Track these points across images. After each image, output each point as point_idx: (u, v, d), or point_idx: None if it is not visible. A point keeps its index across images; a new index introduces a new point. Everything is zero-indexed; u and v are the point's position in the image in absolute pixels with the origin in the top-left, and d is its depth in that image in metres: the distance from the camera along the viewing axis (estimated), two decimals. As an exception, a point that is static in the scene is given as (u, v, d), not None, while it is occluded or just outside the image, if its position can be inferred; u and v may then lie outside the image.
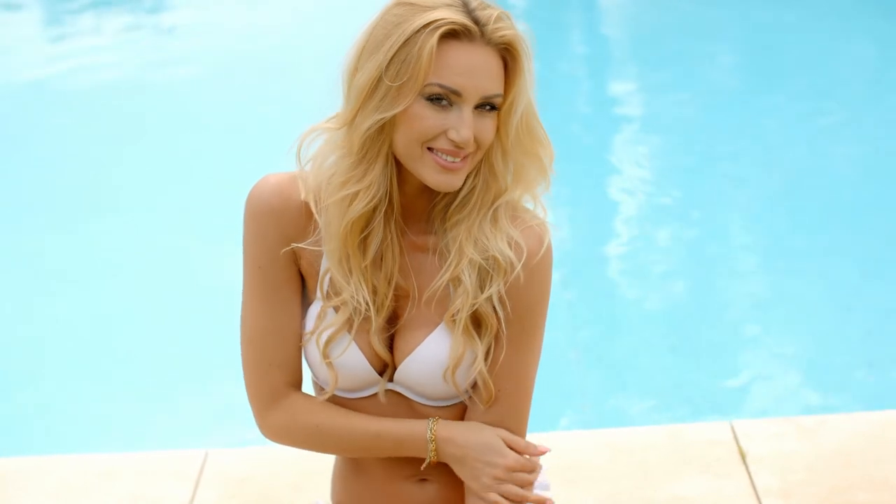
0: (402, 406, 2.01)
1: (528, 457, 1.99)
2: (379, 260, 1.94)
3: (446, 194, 1.93)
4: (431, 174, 1.86)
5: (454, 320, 1.93)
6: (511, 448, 1.97)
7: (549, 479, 2.13)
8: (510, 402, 1.98)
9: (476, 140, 1.85)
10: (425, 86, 1.82)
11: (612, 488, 3.39)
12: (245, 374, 2.03)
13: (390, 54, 1.82)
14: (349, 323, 1.95)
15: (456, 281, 1.93)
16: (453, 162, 1.84)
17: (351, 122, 1.88)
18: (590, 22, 9.08)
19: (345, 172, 1.90)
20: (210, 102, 7.41)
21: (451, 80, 1.82)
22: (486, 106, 1.85)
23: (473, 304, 1.91)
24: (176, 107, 7.36)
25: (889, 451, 3.49)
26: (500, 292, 1.92)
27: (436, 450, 1.97)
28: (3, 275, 5.51)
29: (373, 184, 1.88)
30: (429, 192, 1.94)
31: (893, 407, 4.30)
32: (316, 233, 1.95)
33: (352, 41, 1.90)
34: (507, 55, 1.86)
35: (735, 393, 4.60)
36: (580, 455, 3.52)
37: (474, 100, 1.84)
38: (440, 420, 1.98)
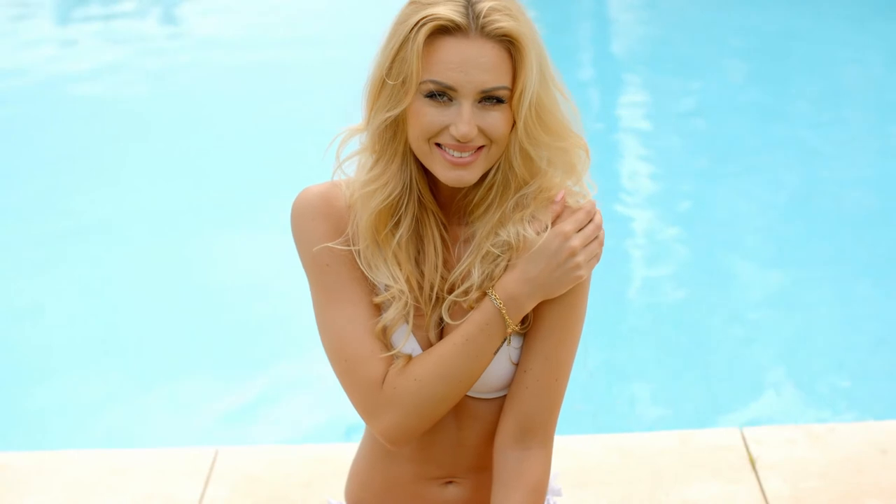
0: None
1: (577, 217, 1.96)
2: (422, 254, 1.95)
3: (474, 187, 1.93)
4: (442, 170, 1.87)
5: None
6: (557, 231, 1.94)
7: (560, 484, 2.13)
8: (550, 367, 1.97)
9: (485, 133, 1.85)
10: (421, 83, 1.83)
11: (623, 492, 3.39)
12: (343, 378, 1.97)
13: (392, 54, 1.84)
14: (404, 317, 1.95)
15: (468, 275, 1.94)
16: (461, 157, 1.85)
17: (367, 121, 1.90)
18: (597, 29, 9.10)
19: (366, 170, 1.92)
20: (213, 102, 7.42)
21: (444, 75, 1.82)
22: (492, 99, 1.84)
23: (469, 292, 1.92)
24: (180, 106, 7.37)
25: (900, 459, 3.49)
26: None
27: (507, 312, 1.93)
28: (14, 272, 5.52)
29: (390, 181, 1.90)
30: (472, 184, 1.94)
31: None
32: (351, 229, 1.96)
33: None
34: (511, 47, 1.84)
35: (745, 400, 4.60)
36: (591, 459, 3.52)
37: (472, 94, 1.83)
38: (494, 286, 1.93)
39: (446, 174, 1.86)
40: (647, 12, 9.09)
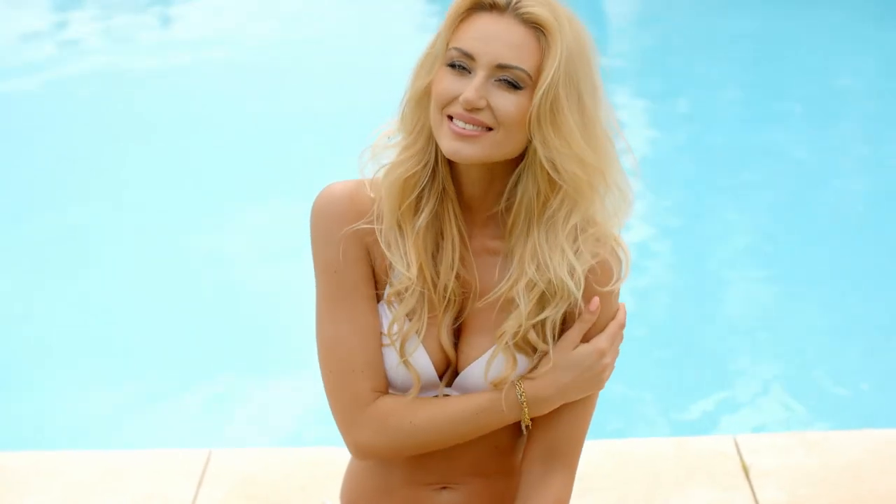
0: None
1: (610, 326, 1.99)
2: (440, 251, 1.94)
3: (497, 196, 1.93)
4: (446, 141, 1.86)
5: (502, 339, 1.94)
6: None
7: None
8: (569, 422, 2.01)
9: (493, 113, 1.84)
10: (447, 51, 1.86)
11: (617, 498, 3.39)
12: (328, 386, 1.98)
13: (439, 29, 1.90)
14: (416, 314, 1.95)
15: (510, 302, 1.93)
16: (464, 128, 1.84)
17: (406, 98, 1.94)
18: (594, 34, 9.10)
19: (396, 146, 1.93)
20: (213, 101, 7.42)
21: (466, 43, 1.85)
22: (509, 81, 1.84)
23: (519, 329, 1.92)
24: (180, 105, 7.37)
25: (894, 467, 3.49)
26: (554, 319, 1.94)
27: (528, 411, 1.96)
28: (9, 273, 5.51)
29: (414, 155, 1.91)
30: (490, 188, 1.94)
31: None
32: (375, 216, 1.95)
33: None
34: (542, 37, 1.85)
35: (739, 407, 4.60)
36: (586, 464, 3.51)
37: (488, 66, 1.83)
38: (523, 380, 1.96)
39: (447, 144, 1.86)
40: (640, 20, 9.10)
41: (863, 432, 3.77)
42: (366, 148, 1.97)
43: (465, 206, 1.96)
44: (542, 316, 1.93)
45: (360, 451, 1.99)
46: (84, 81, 7.74)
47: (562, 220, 1.90)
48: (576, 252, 1.92)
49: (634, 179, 1.96)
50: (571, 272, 1.91)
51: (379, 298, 1.99)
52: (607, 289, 1.95)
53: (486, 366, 1.95)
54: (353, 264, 1.96)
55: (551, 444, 2.00)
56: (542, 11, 1.84)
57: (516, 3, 1.85)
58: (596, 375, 1.96)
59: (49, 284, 5.41)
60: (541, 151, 1.87)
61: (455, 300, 1.96)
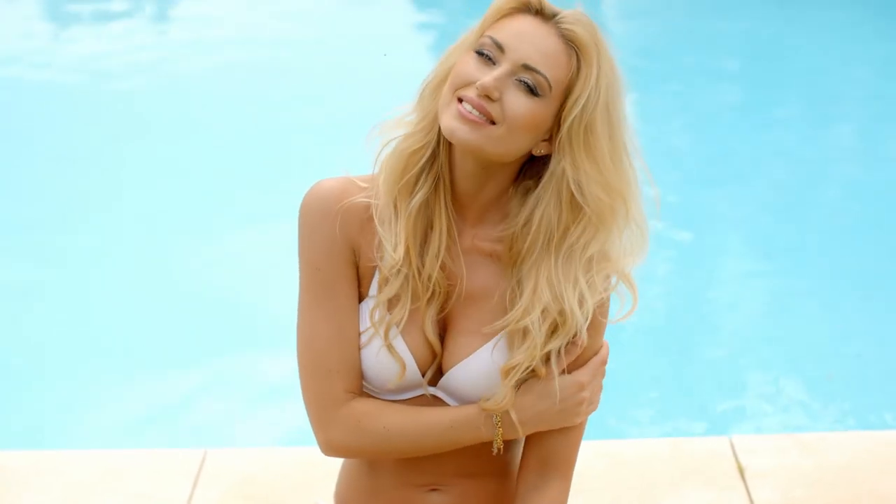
0: None
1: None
2: (428, 238, 1.94)
3: (527, 222, 1.92)
4: (447, 118, 1.86)
5: (509, 373, 1.93)
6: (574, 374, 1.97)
7: None
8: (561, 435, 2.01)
9: (503, 106, 1.84)
10: (480, 38, 1.88)
11: (612, 499, 3.39)
12: (302, 382, 1.98)
13: (478, 22, 1.92)
14: (399, 303, 1.94)
15: (523, 332, 1.93)
16: (470, 112, 1.83)
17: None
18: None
19: (406, 125, 1.94)
20: (213, 101, 7.41)
21: (501, 35, 1.86)
22: (527, 81, 1.84)
23: (531, 363, 1.92)
24: (179, 105, 7.36)
25: (889, 468, 3.49)
26: (560, 349, 1.94)
27: (503, 433, 1.96)
28: (7, 272, 5.51)
29: (423, 129, 1.91)
30: (483, 187, 1.94)
31: (893, 427, 4.31)
32: (377, 241, 1.94)
33: None
34: (575, 56, 1.86)
35: (735, 408, 4.61)
36: (581, 465, 3.51)
37: (513, 63, 1.84)
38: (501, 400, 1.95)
39: (448, 122, 1.85)
40: (637, 20, 9.10)
41: (858, 434, 3.78)
42: (376, 124, 1.97)
43: (457, 202, 1.96)
44: (549, 347, 1.92)
45: (330, 449, 1.99)
46: (82, 82, 7.74)
47: (580, 249, 1.91)
48: (588, 283, 1.92)
49: (654, 219, 1.97)
50: (581, 303, 1.92)
51: (361, 298, 1.98)
52: (604, 320, 1.97)
53: (475, 374, 1.95)
54: (336, 263, 1.95)
55: (546, 453, 2.00)
56: (583, 33, 1.86)
57: (560, 17, 1.87)
58: (572, 407, 1.96)
59: (45, 285, 5.41)
60: (569, 173, 1.87)
61: (440, 292, 1.95)
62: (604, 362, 2.01)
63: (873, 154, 6.74)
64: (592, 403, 2.00)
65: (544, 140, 1.90)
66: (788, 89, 7.49)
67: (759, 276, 5.61)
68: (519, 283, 1.94)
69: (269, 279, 5.26)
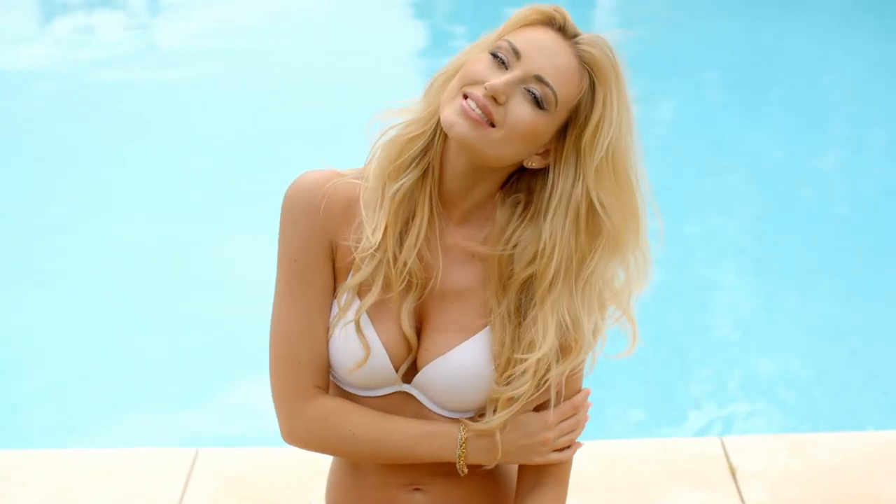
0: (409, 411, 1.99)
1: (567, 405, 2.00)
2: (407, 229, 1.93)
3: (544, 255, 1.91)
4: (448, 112, 1.86)
5: (518, 401, 1.93)
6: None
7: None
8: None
9: (506, 111, 1.84)
10: (498, 41, 1.88)
11: (603, 499, 3.40)
12: (272, 371, 2.00)
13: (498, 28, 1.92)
14: (369, 289, 1.93)
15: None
16: (472, 110, 1.83)
17: None
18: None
19: (408, 114, 1.94)
20: (211, 101, 7.41)
21: (520, 42, 1.86)
22: (535, 92, 1.85)
23: (535, 393, 1.93)
24: (176, 105, 7.36)
25: (880, 469, 3.50)
26: (564, 373, 1.95)
27: (466, 456, 1.97)
28: (2, 270, 5.50)
29: (424, 119, 1.92)
30: (470, 190, 1.94)
31: (883, 427, 4.32)
32: (357, 223, 1.94)
33: None
34: (588, 77, 1.88)
35: (726, 409, 4.61)
36: (574, 465, 3.51)
37: (525, 72, 1.84)
38: (468, 425, 1.96)
39: (448, 115, 1.86)
40: (625, 23, 9.10)
41: (849, 434, 3.79)
42: (379, 111, 1.97)
43: (444, 200, 1.95)
44: (551, 374, 1.93)
45: (292, 440, 2.02)
46: (79, 83, 7.73)
47: (597, 276, 1.93)
48: (600, 310, 1.95)
49: (657, 246, 2.01)
50: (594, 332, 1.94)
51: (335, 295, 1.98)
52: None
53: (451, 371, 1.95)
54: (314, 256, 1.95)
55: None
56: (601, 56, 1.87)
57: (580, 38, 1.88)
58: (534, 445, 1.97)
59: (41, 282, 5.40)
60: (593, 193, 1.87)
61: (417, 284, 1.95)
62: (575, 407, 2.00)
63: (862, 158, 6.75)
64: (558, 446, 1.99)
65: (538, 154, 1.90)
66: (779, 91, 7.49)
67: (750, 276, 5.62)
68: (518, 308, 1.94)
69: (265, 281, 5.24)
